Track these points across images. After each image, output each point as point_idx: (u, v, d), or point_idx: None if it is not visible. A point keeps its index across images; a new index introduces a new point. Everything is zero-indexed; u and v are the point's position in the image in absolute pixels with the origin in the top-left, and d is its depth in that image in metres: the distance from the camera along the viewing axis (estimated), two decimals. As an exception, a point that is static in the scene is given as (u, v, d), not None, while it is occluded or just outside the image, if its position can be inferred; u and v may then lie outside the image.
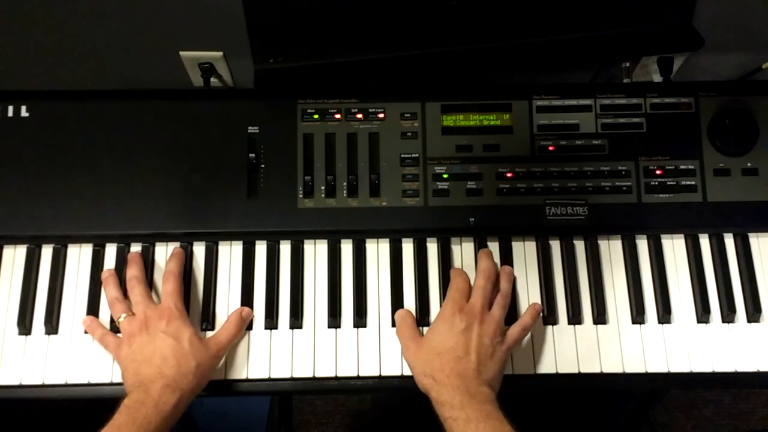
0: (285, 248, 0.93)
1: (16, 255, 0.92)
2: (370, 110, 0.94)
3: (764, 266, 0.93)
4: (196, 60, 0.94)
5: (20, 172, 0.90)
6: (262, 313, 0.90)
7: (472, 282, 0.88)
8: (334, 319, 0.90)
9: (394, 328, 0.89)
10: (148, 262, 0.92)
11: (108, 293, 0.87)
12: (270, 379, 0.88)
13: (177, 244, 0.92)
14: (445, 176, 0.92)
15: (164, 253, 0.92)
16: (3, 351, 0.88)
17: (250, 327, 0.89)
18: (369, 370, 0.88)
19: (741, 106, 0.93)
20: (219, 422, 1.36)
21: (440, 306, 0.90)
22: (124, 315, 0.84)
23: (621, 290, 0.92)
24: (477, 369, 0.79)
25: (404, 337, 0.86)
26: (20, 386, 0.87)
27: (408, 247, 0.93)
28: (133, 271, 0.88)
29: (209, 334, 0.87)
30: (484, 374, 0.80)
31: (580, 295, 0.91)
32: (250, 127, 0.92)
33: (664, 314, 0.90)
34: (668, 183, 0.92)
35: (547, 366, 0.88)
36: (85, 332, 0.88)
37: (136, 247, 0.92)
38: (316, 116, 0.93)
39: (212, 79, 0.97)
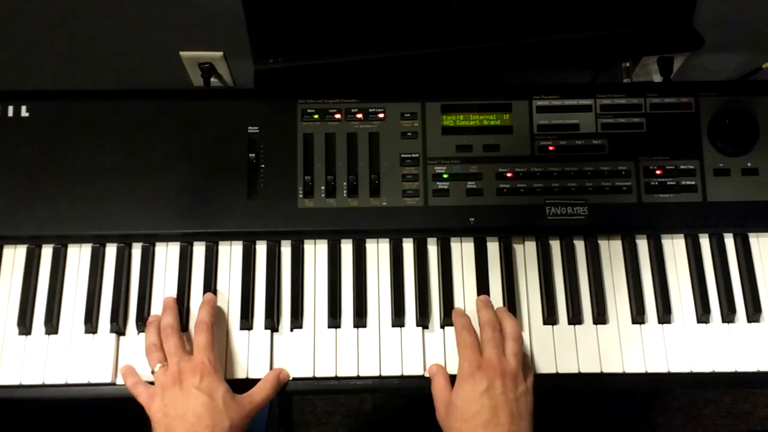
0: (285, 248, 0.93)
1: (16, 255, 0.92)
2: (370, 110, 0.94)
3: (764, 266, 0.93)
4: (196, 60, 0.94)
5: (20, 172, 0.90)
6: (262, 313, 0.90)
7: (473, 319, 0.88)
8: (334, 319, 0.90)
9: (395, 328, 0.90)
10: (149, 262, 0.92)
11: (147, 338, 0.86)
12: (270, 379, 0.87)
13: (177, 244, 0.92)
14: (445, 176, 0.92)
15: (164, 253, 0.92)
16: (3, 351, 0.88)
17: (250, 327, 0.90)
18: (369, 370, 0.88)
19: (741, 106, 0.93)
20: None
21: (440, 307, 0.90)
22: (159, 365, 0.83)
23: (621, 290, 0.92)
24: (509, 431, 0.77)
25: (435, 398, 0.83)
26: (20, 386, 0.87)
27: (408, 247, 0.93)
28: (168, 320, 0.86)
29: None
30: None
31: (580, 295, 0.91)
32: (250, 127, 0.92)
33: (664, 314, 0.90)
34: (668, 183, 0.92)
35: (547, 366, 0.88)
36: (120, 374, 0.87)
37: (136, 248, 0.93)
38: (316, 116, 0.93)
39: (212, 79, 0.97)
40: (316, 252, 0.93)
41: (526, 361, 0.87)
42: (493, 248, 0.93)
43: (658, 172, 0.92)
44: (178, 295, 0.91)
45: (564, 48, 0.92)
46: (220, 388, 0.81)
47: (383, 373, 0.88)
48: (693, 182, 0.92)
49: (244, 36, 0.87)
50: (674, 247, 0.94)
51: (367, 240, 0.93)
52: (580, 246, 0.94)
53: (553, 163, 0.92)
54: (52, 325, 0.89)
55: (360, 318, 0.90)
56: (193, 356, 0.83)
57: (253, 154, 0.91)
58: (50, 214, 0.90)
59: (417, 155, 0.93)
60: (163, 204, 0.90)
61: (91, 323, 0.89)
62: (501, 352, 0.83)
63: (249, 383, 0.86)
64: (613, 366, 0.88)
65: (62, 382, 0.87)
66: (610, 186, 0.92)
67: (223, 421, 0.79)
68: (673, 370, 0.88)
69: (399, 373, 0.88)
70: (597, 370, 0.88)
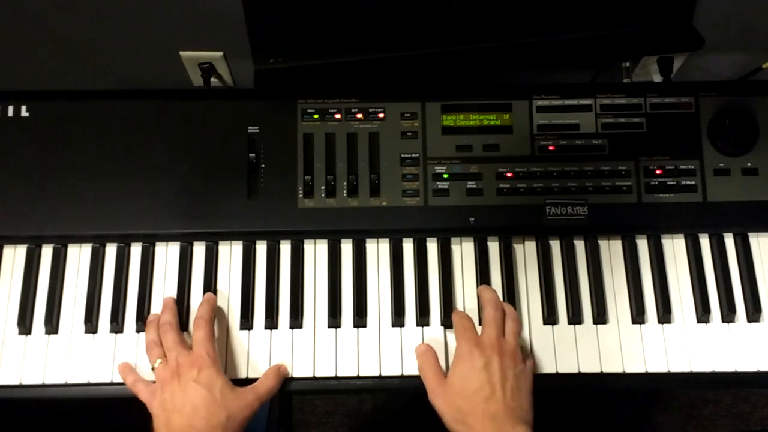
0: (285, 248, 0.93)
1: (16, 255, 0.92)
2: (370, 110, 0.94)
3: (764, 266, 0.93)
4: (196, 60, 0.94)
5: (20, 172, 0.90)
6: (263, 313, 0.90)
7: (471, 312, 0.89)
8: (334, 318, 0.90)
9: (395, 328, 0.90)
10: (149, 262, 0.92)
11: (147, 336, 0.86)
12: (270, 379, 0.87)
13: (177, 244, 0.92)
14: (445, 176, 0.92)
15: (164, 253, 0.92)
16: (3, 351, 0.88)
17: (250, 327, 0.90)
18: (369, 370, 0.88)
19: (741, 106, 0.93)
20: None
21: (440, 306, 0.90)
22: (159, 361, 0.83)
23: (621, 290, 0.92)
24: (509, 406, 0.77)
25: (428, 379, 0.83)
26: (20, 386, 0.87)
27: (408, 247, 0.93)
28: (167, 317, 0.86)
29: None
30: (517, 411, 0.78)
31: (580, 295, 0.91)
32: (250, 127, 0.92)
33: (664, 314, 0.90)
34: (668, 183, 0.92)
35: (547, 366, 0.88)
36: (119, 368, 0.87)
37: (136, 247, 0.93)
38: (316, 116, 0.93)
39: (212, 79, 0.97)
40: (316, 252, 0.93)
41: (525, 351, 0.87)
42: (493, 248, 0.93)
43: (658, 172, 0.92)
44: (178, 295, 0.91)
45: (564, 48, 0.92)
46: (219, 381, 0.81)
47: (383, 373, 0.88)
48: (693, 182, 0.92)
49: (244, 36, 0.87)
50: (674, 247, 0.94)
51: (367, 240, 0.93)
52: (580, 246, 0.94)
53: (553, 163, 0.92)
54: (52, 325, 0.89)
55: (360, 318, 0.90)
56: (192, 350, 0.83)
57: (253, 154, 0.91)
58: (50, 214, 0.90)
59: (417, 155, 0.93)
60: (163, 204, 0.90)
61: (91, 323, 0.89)
62: (500, 333, 0.83)
63: (249, 383, 0.85)
64: (613, 366, 0.88)
65: (62, 382, 0.87)
66: (610, 186, 0.92)
67: (220, 414, 0.79)
68: (673, 370, 0.88)
69: (399, 373, 0.88)
70: (597, 370, 0.88)
